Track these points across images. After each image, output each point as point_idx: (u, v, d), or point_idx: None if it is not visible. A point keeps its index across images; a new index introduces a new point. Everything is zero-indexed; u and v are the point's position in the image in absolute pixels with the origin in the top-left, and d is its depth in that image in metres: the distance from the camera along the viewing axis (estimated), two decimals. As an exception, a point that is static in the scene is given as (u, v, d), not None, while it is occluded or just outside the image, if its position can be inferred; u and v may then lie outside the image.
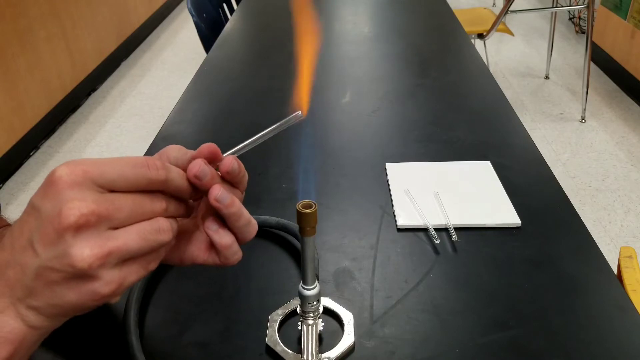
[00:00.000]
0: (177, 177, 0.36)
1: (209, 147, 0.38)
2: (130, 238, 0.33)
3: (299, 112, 0.40)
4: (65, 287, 0.32)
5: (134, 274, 0.34)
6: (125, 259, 0.33)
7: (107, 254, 0.32)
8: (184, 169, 0.38)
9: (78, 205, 0.31)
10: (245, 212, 0.39)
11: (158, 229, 0.34)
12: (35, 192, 0.33)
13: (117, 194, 0.33)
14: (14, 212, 2.03)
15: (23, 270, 0.32)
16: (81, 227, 0.31)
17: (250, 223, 0.40)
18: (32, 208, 0.32)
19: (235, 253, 0.40)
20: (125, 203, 0.33)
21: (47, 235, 0.31)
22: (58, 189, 0.31)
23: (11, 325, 0.33)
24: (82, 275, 0.32)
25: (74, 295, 0.32)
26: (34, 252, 0.32)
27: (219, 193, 0.37)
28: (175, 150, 0.39)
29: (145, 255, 0.35)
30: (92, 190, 0.32)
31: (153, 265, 0.36)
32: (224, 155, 0.40)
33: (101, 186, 0.32)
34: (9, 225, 0.52)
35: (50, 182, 0.32)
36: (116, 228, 0.33)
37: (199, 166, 0.36)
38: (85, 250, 0.31)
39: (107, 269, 0.32)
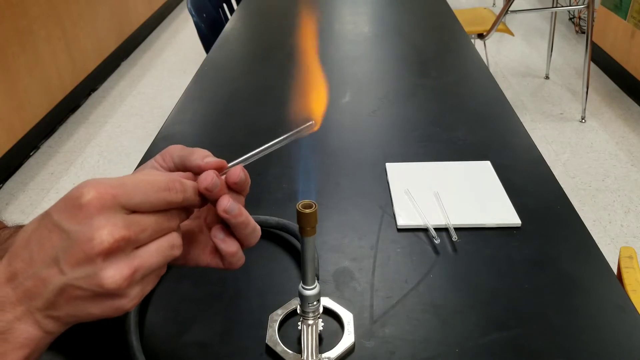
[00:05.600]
0: (191, 195, 0.37)
1: (218, 162, 0.40)
2: (151, 256, 0.35)
3: (312, 122, 0.40)
4: (90, 303, 0.33)
5: (150, 284, 0.36)
6: (147, 274, 0.35)
7: (134, 273, 0.33)
8: (188, 169, 0.40)
9: (111, 231, 0.32)
10: (251, 220, 0.40)
11: (173, 245, 0.36)
12: (57, 209, 0.33)
13: (140, 215, 0.34)
14: (13, 212, 2.03)
15: (45, 285, 0.33)
16: (112, 252, 0.32)
17: (255, 229, 0.41)
18: (55, 226, 0.33)
19: (240, 259, 0.41)
20: (148, 224, 0.34)
21: (76, 257, 0.32)
22: (88, 214, 0.32)
23: (29, 332, 0.33)
24: (110, 294, 0.33)
25: (98, 309, 0.34)
26: (59, 270, 0.32)
27: (227, 205, 0.38)
28: (178, 149, 0.41)
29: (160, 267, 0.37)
30: (120, 213, 0.33)
31: (163, 272, 0.37)
32: (234, 162, 0.40)
33: (126, 209, 0.33)
34: (6, 227, 0.52)
35: (78, 206, 0.32)
36: (138, 246, 0.34)
37: (210, 179, 0.38)
38: (115, 273, 0.32)
39: (132, 286, 0.34)
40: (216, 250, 0.41)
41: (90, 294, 0.33)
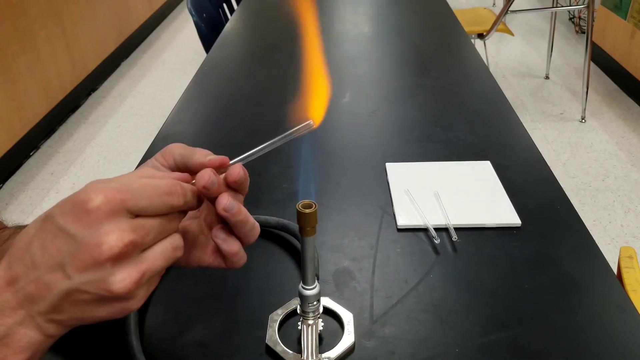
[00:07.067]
0: (190, 198, 0.38)
1: (221, 159, 0.40)
2: (157, 259, 0.35)
3: (310, 122, 0.40)
4: (96, 306, 0.33)
5: (154, 284, 0.36)
6: (153, 276, 0.35)
7: (142, 277, 0.33)
8: (190, 167, 0.40)
9: (120, 236, 0.32)
10: (250, 217, 0.40)
11: (176, 247, 0.37)
12: (62, 213, 0.33)
13: (144, 219, 0.34)
14: (13, 212, 2.03)
15: (48, 289, 0.33)
16: (121, 257, 0.32)
17: (254, 227, 0.41)
18: (60, 230, 0.32)
19: (241, 258, 0.42)
20: (152, 227, 0.35)
21: (84, 262, 0.32)
22: (96, 219, 0.32)
23: (30, 336, 0.33)
24: (118, 297, 0.33)
25: (104, 312, 0.34)
26: (64, 275, 0.32)
27: (227, 203, 0.38)
28: (179, 148, 0.41)
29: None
30: (126, 217, 0.33)
31: (164, 271, 0.38)
32: (232, 162, 0.40)
33: (131, 213, 0.34)
34: (6, 227, 0.52)
35: (85, 210, 0.32)
36: (143, 250, 0.35)
37: (208, 176, 0.38)
38: (125, 277, 0.32)
39: (139, 289, 0.34)
40: (218, 251, 0.42)
41: (96, 298, 0.33)
